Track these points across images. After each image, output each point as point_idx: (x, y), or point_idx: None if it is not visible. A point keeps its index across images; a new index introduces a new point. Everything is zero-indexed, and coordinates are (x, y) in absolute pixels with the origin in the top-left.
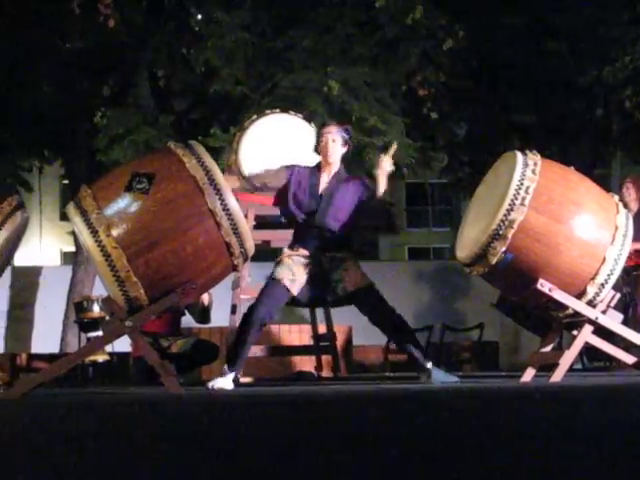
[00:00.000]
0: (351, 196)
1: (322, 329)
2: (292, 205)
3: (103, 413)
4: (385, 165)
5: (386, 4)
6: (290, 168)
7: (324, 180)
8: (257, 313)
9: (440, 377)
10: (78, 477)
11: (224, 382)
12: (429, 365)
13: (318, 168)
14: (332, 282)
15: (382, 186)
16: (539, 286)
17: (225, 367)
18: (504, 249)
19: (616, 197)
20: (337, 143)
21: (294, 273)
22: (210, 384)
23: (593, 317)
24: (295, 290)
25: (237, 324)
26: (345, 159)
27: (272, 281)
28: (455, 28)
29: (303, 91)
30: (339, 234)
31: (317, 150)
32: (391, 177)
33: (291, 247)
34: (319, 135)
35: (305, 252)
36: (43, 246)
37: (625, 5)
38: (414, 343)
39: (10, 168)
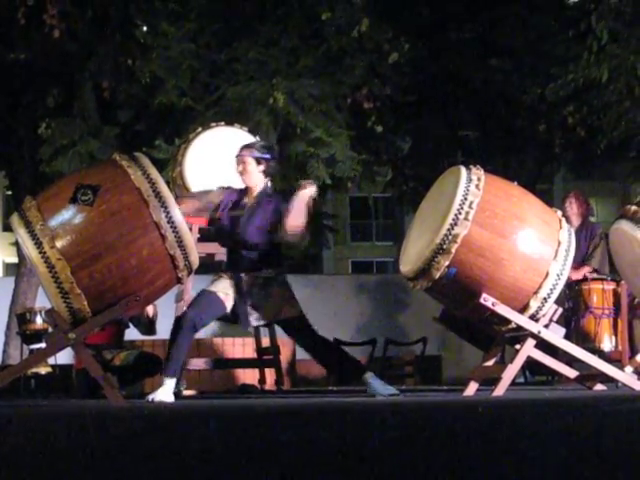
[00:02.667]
0: (271, 214)
1: (266, 342)
2: (218, 226)
3: (45, 426)
4: (303, 193)
5: (332, 17)
6: (224, 190)
7: (249, 201)
8: (186, 316)
9: (378, 389)
10: None
11: (164, 394)
12: (367, 376)
13: (244, 190)
14: (252, 307)
15: (295, 217)
16: (482, 300)
17: (163, 378)
18: (448, 263)
19: (559, 212)
20: (250, 165)
21: (228, 288)
22: (150, 397)
23: (536, 331)
24: (228, 305)
25: None
26: (277, 174)
27: (204, 292)
28: (401, 42)
29: (248, 103)
30: (261, 253)
31: (238, 172)
32: (335, 190)
33: (222, 268)
34: (235, 158)
35: (231, 273)
36: None
37: (569, 23)
38: (341, 360)
39: None
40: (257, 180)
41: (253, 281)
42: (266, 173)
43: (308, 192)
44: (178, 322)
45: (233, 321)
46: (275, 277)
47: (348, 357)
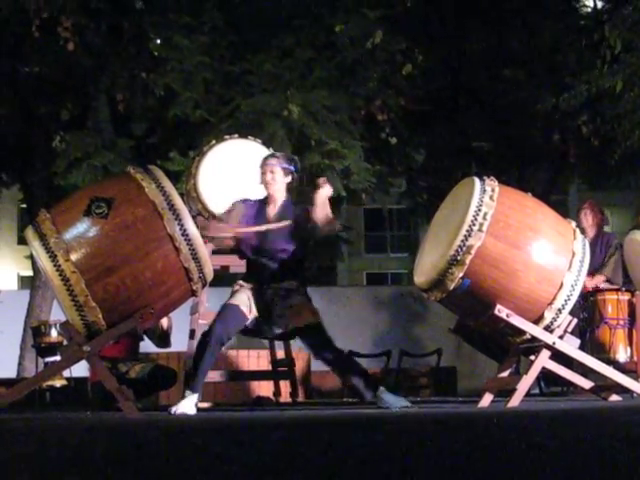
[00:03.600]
0: (295, 226)
1: (280, 354)
2: (241, 238)
3: (60, 438)
4: (323, 191)
5: (346, 28)
6: (241, 202)
7: (270, 212)
8: (214, 332)
9: (391, 401)
10: None
11: (187, 407)
12: (379, 391)
13: (265, 201)
14: (275, 317)
15: (321, 211)
16: (497, 312)
17: (186, 391)
18: (462, 275)
19: (573, 223)
20: (278, 174)
21: (249, 300)
22: (173, 409)
23: (550, 342)
24: (250, 317)
25: (195, 349)
26: (294, 188)
27: (227, 305)
28: (414, 53)
29: (262, 115)
30: (285, 266)
31: (261, 182)
32: (350, 202)
33: (243, 279)
34: (260, 167)
35: (252, 285)
36: (0, 270)
37: (582, 32)
38: (358, 375)
39: None
40: (280, 190)
41: (276, 292)
42: (290, 185)
43: (325, 192)
44: (205, 337)
45: (255, 333)
46: (297, 288)
47: (364, 371)
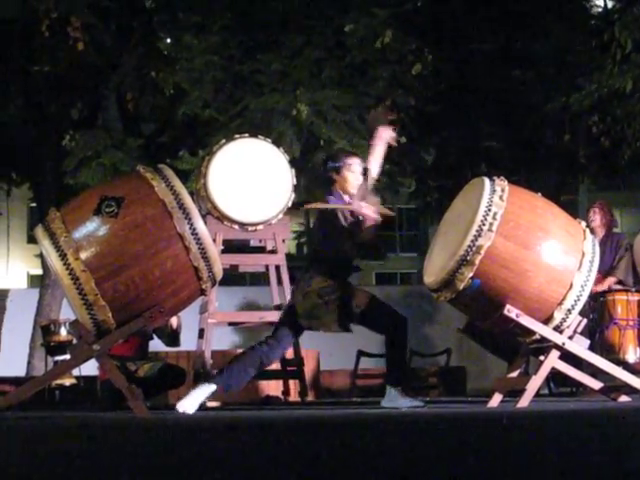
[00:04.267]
0: (359, 223)
1: (290, 354)
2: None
3: (70, 437)
4: (384, 134)
5: (355, 28)
6: (327, 198)
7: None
8: (272, 356)
9: (401, 401)
10: None
11: (189, 404)
12: (392, 389)
13: (342, 197)
14: (349, 307)
15: (379, 159)
16: (506, 312)
17: (210, 382)
18: (471, 275)
19: (583, 223)
20: (361, 174)
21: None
22: (179, 405)
23: (560, 343)
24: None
25: (204, 348)
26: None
27: (285, 327)
28: (424, 53)
29: (272, 114)
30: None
31: (336, 177)
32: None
33: (320, 277)
34: (347, 165)
35: (333, 282)
36: (10, 269)
37: (592, 32)
38: (398, 362)
39: None
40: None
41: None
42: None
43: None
44: (262, 354)
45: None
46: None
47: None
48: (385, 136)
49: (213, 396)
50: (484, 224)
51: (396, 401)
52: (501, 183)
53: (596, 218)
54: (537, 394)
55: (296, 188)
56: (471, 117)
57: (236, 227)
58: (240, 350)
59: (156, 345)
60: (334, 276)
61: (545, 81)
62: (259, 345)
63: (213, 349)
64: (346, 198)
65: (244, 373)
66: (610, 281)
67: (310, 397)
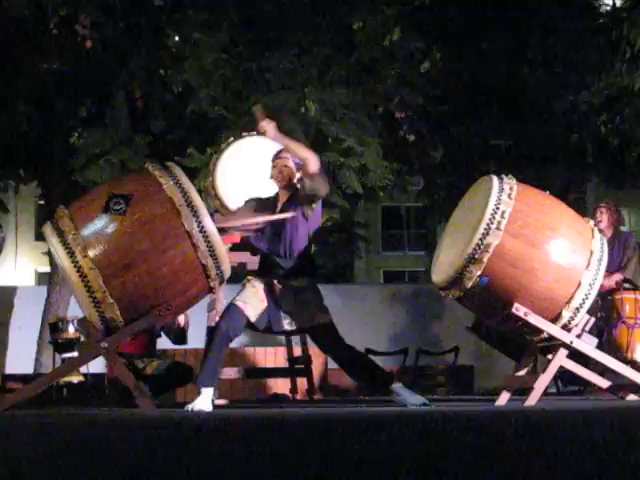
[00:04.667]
0: (302, 221)
1: (297, 352)
2: (255, 235)
3: (77, 434)
4: (268, 129)
5: (363, 26)
6: (253, 200)
7: (280, 206)
8: (219, 328)
9: (408, 399)
10: None
11: (202, 403)
12: (396, 386)
13: (276, 196)
14: (283, 313)
15: (284, 142)
16: (514, 310)
17: (200, 387)
18: (479, 273)
19: (591, 222)
20: (290, 168)
21: (255, 296)
22: (189, 406)
23: (568, 341)
24: (251, 314)
25: None
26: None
27: (231, 304)
28: (432, 51)
29: (280, 112)
30: (296, 262)
31: (272, 177)
32: (367, 200)
33: (254, 274)
34: (272, 162)
35: (263, 279)
36: (18, 266)
37: (601, 31)
38: (369, 370)
39: None
40: (293, 186)
41: (286, 288)
42: (299, 180)
43: (270, 132)
44: (211, 333)
45: (265, 329)
46: (307, 286)
47: (377, 367)
48: (266, 127)
49: (216, 395)
50: (492, 222)
51: (404, 395)
52: (509, 181)
53: (603, 217)
54: (545, 392)
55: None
56: (479, 115)
57: None
58: (247, 349)
59: (164, 343)
60: (258, 273)
61: (554, 79)
62: (218, 329)
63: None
64: (280, 194)
65: (218, 361)
66: (616, 277)
67: (318, 395)
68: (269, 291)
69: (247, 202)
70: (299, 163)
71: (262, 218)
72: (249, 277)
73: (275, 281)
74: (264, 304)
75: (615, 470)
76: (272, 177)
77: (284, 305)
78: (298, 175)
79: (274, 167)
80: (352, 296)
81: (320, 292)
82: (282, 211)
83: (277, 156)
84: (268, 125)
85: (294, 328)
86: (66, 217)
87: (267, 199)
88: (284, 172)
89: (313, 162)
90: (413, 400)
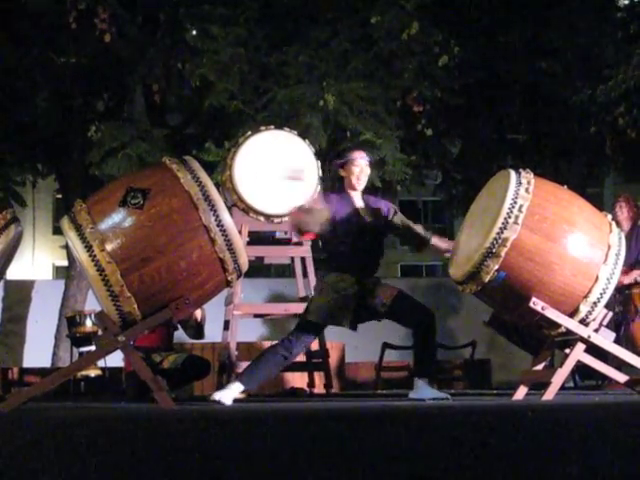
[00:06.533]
0: (381, 218)
1: (315, 346)
2: (333, 233)
3: (95, 428)
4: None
5: (382, 20)
6: (325, 197)
7: (358, 205)
8: (293, 350)
9: (428, 393)
10: None
11: (227, 396)
12: (420, 381)
13: (347, 193)
14: (368, 312)
15: None
16: (532, 304)
17: (236, 382)
18: (497, 267)
19: (609, 216)
20: (368, 167)
21: (338, 307)
22: (216, 395)
23: (585, 335)
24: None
25: (229, 340)
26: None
27: (310, 323)
28: (450, 45)
29: (298, 105)
30: (377, 257)
31: (342, 173)
32: (384, 194)
33: (334, 273)
34: (351, 160)
35: (349, 277)
36: (36, 260)
37: (619, 24)
38: (427, 355)
39: (4, 182)
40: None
41: (369, 286)
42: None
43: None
44: (283, 349)
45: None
46: (379, 279)
47: (433, 354)
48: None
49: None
50: (510, 216)
51: (423, 392)
52: (527, 175)
53: (622, 211)
54: (562, 387)
55: (322, 180)
56: (497, 109)
57: (262, 219)
58: (265, 342)
59: (181, 337)
60: (347, 271)
61: (572, 73)
62: (281, 343)
63: (238, 341)
64: (352, 194)
65: (268, 373)
66: (636, 273)
67: (335, 389)
68: (354, 288)
69: (319, 197)
70: (372, 161)
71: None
72: (330, 278)
73: (359, 278)
74: (348, 302)
75: (634, 464)
76: (353, 175)
77: (367, 303)
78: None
79: (356, 166)
80: None
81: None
82: (366, 210)
83: (359, 155)
84: None
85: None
86: (83, 211)
87: (340, 195)
88: (365, 172)
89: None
90: (433, 394)
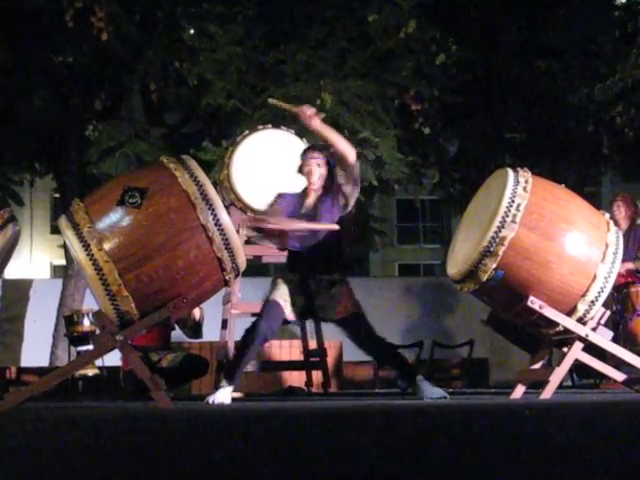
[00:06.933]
0: (331, 214)
1: (313, 345)
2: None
3: (92, 427)
4: (310, 114)
5: (379, 18)
6: (280, 196)
7: (309, 203)
8: (259, 328)
9: (427, 391)
10: None
11: (223, 396)
12: (418, 379)
13: (303, 192)
14: (317, 307)
15: (325, 131)
16: (529, 303)
17: (224, 381)
18: (495, 266)
19: (607, 215)
20: (322, 167)
21: (287, 294)
22: (210, 398)
23: (583, 334)
24: (288, 311)
25: (227, 339)
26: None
27: (269, 301)
28: (448, 43)
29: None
30: (327, 256)
31: (301, 172)
32: (382, 193)
33: (283, 270)
34: (303, 158)
35: (294, 275)
36: (33, 259)
37: (616, 23)
38: (397, 363)
39: (1, 181)
40: (322, 183)
41: (319, 283)
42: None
43: (313, 115)
44: (249, 333)
45: (297, 318)
46: (339, 279)
47: (405, 360)
48: (308, 113)
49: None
50: (507, 215)
51: (427, 390)
52: (525, 174)
53: (620, 210)
54: (560, 386)
55: None
56: (495, 108)
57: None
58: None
59: (179, 336)
60: (293, 270)
61: (569, 72)
62: (257, 329)
63: (236, 340)
64: (311, 194)
65: (251, 360)
66: (627, 265)
67: (333, 388)
68: (301, 286)
69: (276, 198)
70: (331, 161)
71: (306, 226)
72: (279, 274)
73: (307, 276)
74: (294, 299)
75: (631, 463)
76: (304, 173)
77: (318, 299)
78: (325, 169)
79: (306, 165)
80: (367, 289)
81: (350, 285)
82: (315, 209)
83: (310, 153)
84: (309, 110)
85: (327, 319)
86: (81, 210)
87: (294, 194)
88: (316, 170)
89: (352, 156)
90: (432, 393)
